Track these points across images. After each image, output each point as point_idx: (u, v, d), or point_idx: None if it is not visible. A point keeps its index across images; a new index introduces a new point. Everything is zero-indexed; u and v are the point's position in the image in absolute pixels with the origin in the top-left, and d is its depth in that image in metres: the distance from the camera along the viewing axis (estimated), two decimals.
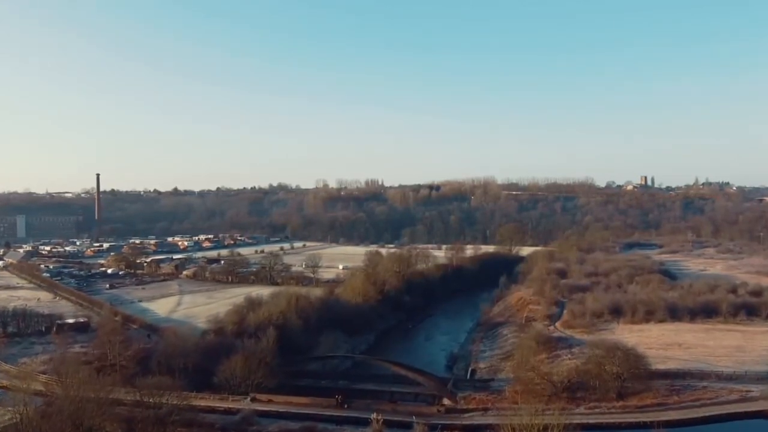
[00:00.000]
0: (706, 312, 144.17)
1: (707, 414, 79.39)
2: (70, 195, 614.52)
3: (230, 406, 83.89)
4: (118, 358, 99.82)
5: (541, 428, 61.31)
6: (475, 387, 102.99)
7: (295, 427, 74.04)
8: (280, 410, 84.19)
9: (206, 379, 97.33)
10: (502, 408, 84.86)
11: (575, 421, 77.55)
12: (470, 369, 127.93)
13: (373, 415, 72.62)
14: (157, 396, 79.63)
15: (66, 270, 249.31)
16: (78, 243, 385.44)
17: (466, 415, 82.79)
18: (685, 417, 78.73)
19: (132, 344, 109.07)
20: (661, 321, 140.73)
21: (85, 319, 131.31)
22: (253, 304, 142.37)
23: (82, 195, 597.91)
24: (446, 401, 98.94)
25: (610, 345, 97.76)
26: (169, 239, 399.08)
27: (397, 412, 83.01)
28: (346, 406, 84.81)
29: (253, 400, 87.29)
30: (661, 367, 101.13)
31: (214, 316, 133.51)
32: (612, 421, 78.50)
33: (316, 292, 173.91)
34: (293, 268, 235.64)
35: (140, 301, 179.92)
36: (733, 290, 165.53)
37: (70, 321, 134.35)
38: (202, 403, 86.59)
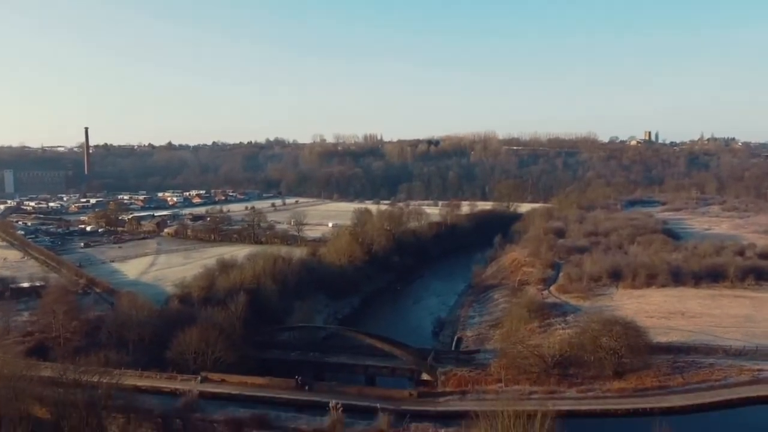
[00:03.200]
0: (711, 276, 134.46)
1: (714, 399, 70.00)
2: (62, 149, 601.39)
3: (177, 387, 74.69)
4: (61, 330, 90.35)
5: (523, 417, 51.64)
6: (458, 360, 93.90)
7: (244, 416, 64.85)
8: (233, 392, 74.98)
9: (162, 354, 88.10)
10: (483, 391, 75.58)
11: (564, 408, 68.52)
12: (456, 337, 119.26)
13: (332, 403, 63.35)
14: (89, 375, 70.17)
15: (43, 228, 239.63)
16: (65, 199, 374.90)
17: (442, 399, 73.55)
18: (689, 403, 69.33)
19: (83, 313, 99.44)
20: (664, 286, 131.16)
21: (42, 283, 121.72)
22: (225, 266, 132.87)
23: (75, 149, 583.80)
24: (425, 376, 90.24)
25: (607, 318, 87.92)
26: (159, 195, 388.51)
27: (363, 396, 73.83)
28: (306, 388, 75.66)
29: (204, 380, 78.10)
30: (663, 340, 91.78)
31: (182, 280, 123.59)
32: (607, 407, 69.22)
33: (299, 252, 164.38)
34: (279, 226, 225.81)
35: (112, 261, 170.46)
36: (741, 252, 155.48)
37: (25, 285, 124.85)
38: (147, 383, 77.45)
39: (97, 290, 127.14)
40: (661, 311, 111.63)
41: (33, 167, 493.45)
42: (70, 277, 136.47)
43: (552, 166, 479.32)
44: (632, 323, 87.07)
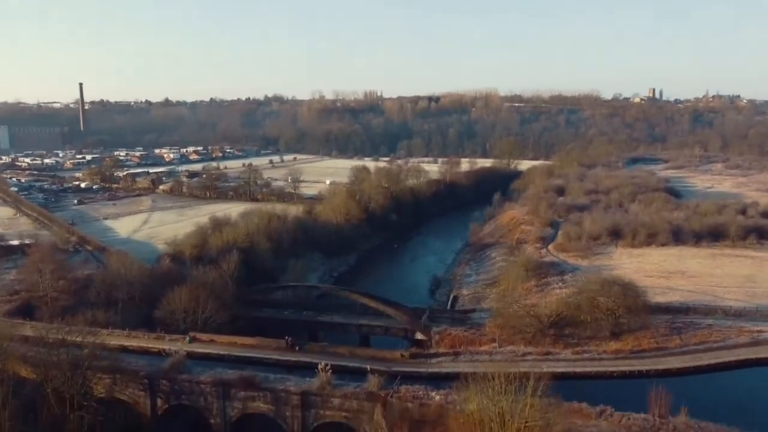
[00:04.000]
0: (712, 235, 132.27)
1: (712, 361, 68.42)
2: (58, 105, 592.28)
3: (165, 347, 73.24)
4: (48, 289, 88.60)
5: (516, 380, 50.04)
6: (453, 320, 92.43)
7: (232, 377, 63.43)
8: (222, 353, 73.59)
9: (151, 314, 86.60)
10: (476, 352, 74.14)
11: (559, 370, 67.08)
12: (452, 296, 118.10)
13: (321, 365, 61.83)
14: (74, 335, 68.64)
15: (37, 184, 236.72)
16: (61, 155, 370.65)
17: (434, 361, 72.15)
18: (686, 365, 67.84)
19: (71, 272, 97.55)
20: (664, 245, 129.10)
21: (32, 241, 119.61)
22: (218, 224, 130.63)
23: (71, 105, 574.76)
24: (419, 336, 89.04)
25: (605, 278, 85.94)
26: (156, 151, 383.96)
27: (354, 357, 72.40)
28: (297, 348, 74.19)
29: (193, 340, 76.62)
30: (662, 300, 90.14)
31: (174, 239, 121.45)
32: (602, 369, 67.76)
33: (294, 210, 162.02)
34: (276, 183, 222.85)
35: (106, 218, 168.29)
36: (743, 211, 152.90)
37: (14, 243, 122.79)
38: (134, 343, 76.03)
39: (89, 248, 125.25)
40: (661, 271, 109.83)
41: (28, 123, 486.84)
42: (62, 234, 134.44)
43: (554, 123, 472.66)
44: (630, 284, 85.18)
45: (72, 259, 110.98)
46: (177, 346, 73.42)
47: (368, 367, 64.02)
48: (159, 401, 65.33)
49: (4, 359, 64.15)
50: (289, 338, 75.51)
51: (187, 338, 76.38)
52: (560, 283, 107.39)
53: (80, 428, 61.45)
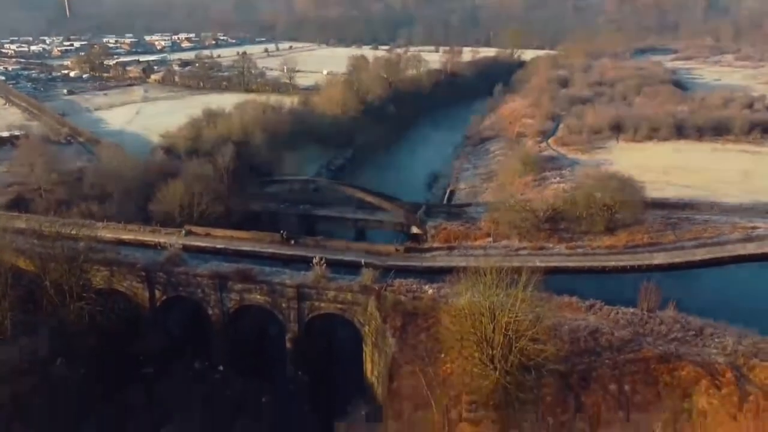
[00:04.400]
0: (716, 130, 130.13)
1: (704, 257, 68.98)
2: None
3: (161, 240, 73.48)
4: (41, 182, 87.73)
5: (508, 274, 50.42)
6: (449, 214, 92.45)
7: (228, 270, 64.09)
8: (217, 246, 74.02)
9: (146, 208, 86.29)
10: (471, 246, 74.51)
11: (551, 265, 67.82)
12: (449, 191, 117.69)
13: (316, 259, 62.26)
14: (70, 228, 68.73)
15: (24, 73, 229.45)
16: (48, 42, 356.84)
17: (428, 255, 72.65)
18: (679, 260, 68.48)
19: (63, 164, 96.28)
20: (666, 139, 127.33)
21: (23, 132, 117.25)
22: (211, 116, 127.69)
23: None
24: (414, 230, 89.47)
25: (603, 173, 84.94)
26: (146, 38, 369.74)
27: (349, 250, 72.81)
28: (292, 242, 74.48)
29: (188, 233, 76.73)
30: (659, 195, 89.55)
31: (167, 131, 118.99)
32: (595, 264, 68.39)
33: (290, 101, 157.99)
34: (271, 73, 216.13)
35: (97, 109, 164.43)
36: (750, 104, 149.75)
37: (4, 134, 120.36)
38: (130, 236, 76.23)
39: (81, 140, 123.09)
40: (661, 166, 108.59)
41: (10, 7, 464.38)
42: (53, 125, 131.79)
43: (561, 10, 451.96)
44: (628, 179, 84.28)
45: (64, 152, 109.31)
46: (173, 239, 73.61)
47: (362, 260, 64.40)
48: (157, 293, 66.41)
49: (4, 251, 64.66)
50: (284, 232, 75.66)
51: (183, 232, 76.51)
52: (558, 178, 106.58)
53: (80, 318, 62.90)
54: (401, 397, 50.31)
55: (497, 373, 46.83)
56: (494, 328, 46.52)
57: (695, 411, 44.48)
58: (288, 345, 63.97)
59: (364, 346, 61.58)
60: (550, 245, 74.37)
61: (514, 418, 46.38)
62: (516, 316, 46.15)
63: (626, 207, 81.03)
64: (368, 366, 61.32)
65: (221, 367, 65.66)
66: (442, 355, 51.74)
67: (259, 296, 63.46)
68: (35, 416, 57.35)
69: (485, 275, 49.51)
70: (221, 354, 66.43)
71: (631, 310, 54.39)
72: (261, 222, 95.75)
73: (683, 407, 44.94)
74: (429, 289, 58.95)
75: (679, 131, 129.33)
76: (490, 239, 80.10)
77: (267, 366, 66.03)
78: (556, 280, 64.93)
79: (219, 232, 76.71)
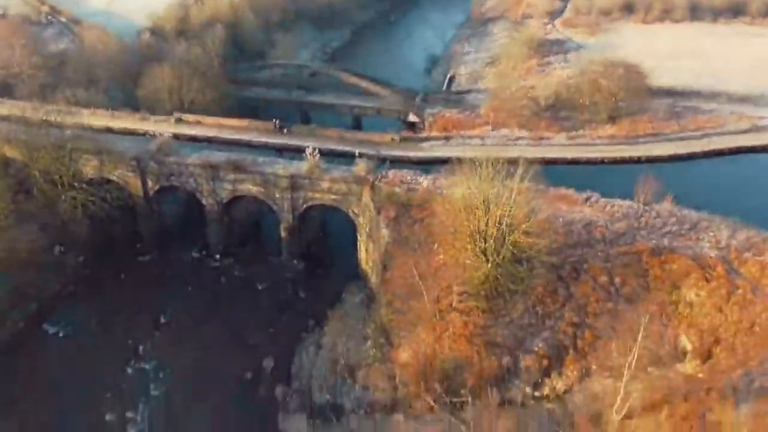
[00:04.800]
0: (732, 11, 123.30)
1: (706, 149, 67.53)
2: None
3: (151, 128, 71.34)
4: (23, 66, 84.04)
5: (504, 165, 49.29)
6: (448, 101, 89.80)
7: (220, 160, 62.76)
8: (209, 135, 72.14)
9: (134, 94, 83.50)
10: (468, 136, 72.75)
11: (551, 156, 66.57)
12: (449, 76, 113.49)
13: (309, 149, 60.70)
14: (57, 115, 66.76)
15: None
16: None
17: (425, 145, 70.98)
18: (680, 152, 67.06)
19: (45, 46, 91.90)
20: (678, 21, 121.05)
21: (0, 12, 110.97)
22: None
23: None
24: (412, 118, 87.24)
25: (609, 60, 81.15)
26: None
27: (343, 140, 71.05)
28: (285, 131, 72.52)
29: (179, 121, 74.52)
30: (666, 82, 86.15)
31: (153, 12, 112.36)
32: (595, 155, 67.00)
33: None
34: None
35: None
36: None
37: None
38: (119, 124, 74.09)
39: (62, 20, 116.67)
40: (670, 51, 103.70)
41: None
42: (32, 3, 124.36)
43: None
44: (635, 66, 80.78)
45: (45, 33, 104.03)
46: (163, 127, 71.61)
47: (357, 151, 62.98)
48: (150, 182, 65.67)
49: None
50: (277, 120, 73.55)
51: (173, 119, 74.35)
52: (563, 63, 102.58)
53: (73, 207, 62.63)
54: (394, 287, 50.98)
55: (489, 264, 47.00)
56: (488, 221, 46.06)
57: (682, 303, 45.10)
58: (283, 234, 64.20)
59: (358, 236, 61.79)
60: (550, 135, 72.66)
61: (503, 308, 47.22)
62: (510, 209, 45.52)
63: (631, 95, 78.48)
64: (363, 255, 61.89)
65: (218, 256, 66.38)
66: (435, 247, 51.88)
67: (252, 186, 62.73)
68: (38, 303, 58.88)
69: (481, 167, 48.35)
70: (217, 243, 66.87)
71: (628, 203, 53.83)
72: (254, 109, 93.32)
73: (671, 299, 45.54)
74: (424, 181, 58.13)
75: (694, 12, 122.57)
76: (489, 128, 78.15)
77: (263, 255, 66.69)
78: (554, 171, 64.03)
79: (210, 120, 74.58)
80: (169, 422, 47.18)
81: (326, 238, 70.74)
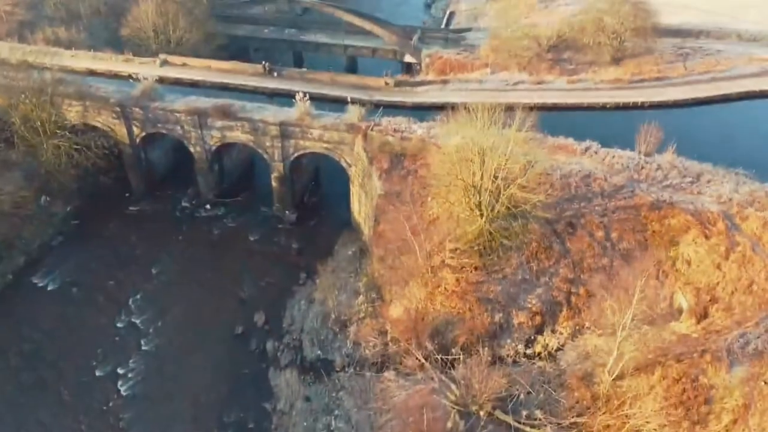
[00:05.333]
0: None
1: (712, 93, 64.72)
2: None
3: (135, 71, 68.18)
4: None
5: (501, 113, 47.20)
6: (446, 41, 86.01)
7: (207, 106, 60.21)
8: (195, 78, 68.91)
9: (118, 33, 79.73)
10: (466, 80, 69.87)
11: (551, 101, 64.15)
12: (449, 12, 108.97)
13: (298, 96, 58.11)
14: (36, 56, 63.91)
15: None
16: None
17: (420, 89, 68.06)
18: (686, 97, 64.32)
19: None
20: None
21: None
22: None
23: None
24: (408, 58, 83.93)
25: None
26: None
27: (336, 84, 68.04)
28: (275, 74, 69.40)
29: (164, 63, 71.19)
30: (674, 20, 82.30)
31: None
32: (595, 101, 64.17)
33: None
34: None
35: None
36: None
37: None
38: (102, 66, 70.82)
39: None
40: None
41: None
42: None
43: None
44: (644, 3, 76.62)
45: None
46: (147, 70, 68.64)
47: (348, 97, 60.41)
48: (135, 129, 63.38)
49: None
50: (266, 63, 70.36)
51: (158, 61, 71.17)
52: None
53: (58, 156, 60.72)
54: (385, 241, 49.87)
55: (483, 219, 45.72)
56: (482, 175, 44.40)
57: (680, 260, 44.06)
58: (274, 184, 62.54)
59: (351, 186, 60.17)
60: (551, 78, 69.79)
61: (497, 264, 46.25)
62: (506, 162, 43.76)
63: (636, 35, 74.96)
64: (355, 206, 60.50)
65: (208, 206, 65.00)
66: (429, 200, 50.47)
67: (241, 134, 60.58)
68: (26, 255, 57.95)
69: (476, 116, 46.26)
70: (207, 192, 65.37)
71: (629, 153, 51.91)
72: (244, 50, 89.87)
73: (668, 255, 44.48)
74: (418, 129, 55.98)
75: None
76: (488, 70, 75.13)
77: (255, 204, 65.24)
78: (554, 117, 61.97)
79: (197, 62, 71.38)
80: (160, 377, 47.05)
81: (320, 186, 69.19)
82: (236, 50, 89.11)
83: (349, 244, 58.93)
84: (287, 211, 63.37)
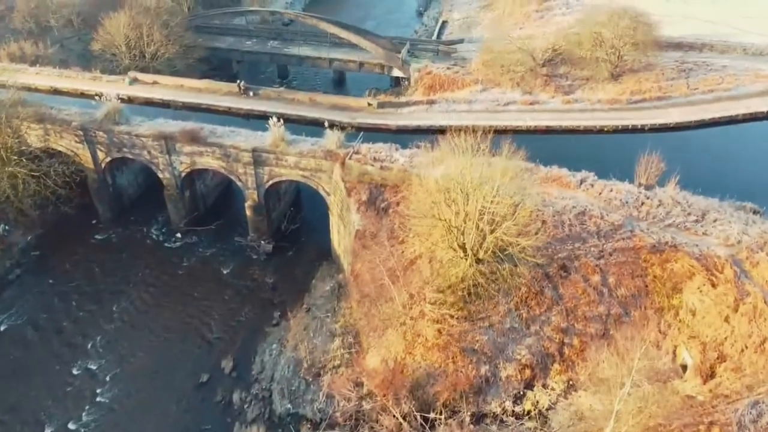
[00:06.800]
0: None
1: (716, 115, 60.74)
2: None
3: (102, 90, 63.87)
4: None
5: (488, 137, 43.14)
6: (437, 53, 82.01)
7: (173, 129, 56.03)
8: (166, 98, 64.83)
9: (89, 48, 75.82)
10: (454, 100, 65.72)
11: (543, 124, 60.14)
12: (441, 21, 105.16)
13: (272, 121, 53.95)
14: None
15: None
16: None
17: (405, 111, 63.83)
18: (689, 119, 60.30)
19: None
20: None
21: None
22: None
23: None
24: (396, 73, 79.91)
25: (614, 10, 72.81)
26: None
27: (315, 105, 63.90)
28: (251, 94, 65.27)
29: (133, 81, 67.12)
30: (676, 33, 78.45)
31: None
32: (591, 123, 60.18)
33: None
34: None
35: None
36: None
37: None
38: (67, 84, 66.65)
39: None
40: None
41: None
42: None
43: None
44: (643, 15, 72.58)
45: None
46: (115, 89, 64.42)
47: (326, 122, 56.29)
48: (100, 154, 59.24)
49: None
50: (242, 82, 66.26)
51: (127, 79, 67.04)
52: (564, 8, 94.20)
53: (15, 185, 56.56)
54: (363, 283, 45.85)
55: (468, 261, 41.67)
56: (466, 216, 40.28)
57: (684, 308, 39.99)
58: (248, 213, 58.49)
59: (330, 215, 56.12)
60: (545, 97, 65.77)
61: (483, 311, 42.16)
62: (492, 202, 39.59)
63: (636, 48, 70.93)
64: (335, 237, 56.49)
65: (179, 234, 60.90)
66: (411, 236, 46.34)
67: (212, 160, 56.46)
68: None
69: (460, 149, 42.14)
70: (178, 220, 61.23)
71: (627, 186, 47.81)
72: (226, 62, 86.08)
73: (671, 304, 40.43)
74: (400, 158, 51.80)
75: None
76: (479, 86, 71.13)
77: (228, 233, 61.13)
78: (547, 142, 58.20)
79: (168, 80, 67.26)
80: None
81: (300, 211, 65.02)
82: (218, 63, 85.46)
83: (327, 279, 54.81)
84: (263, 241, 59.26)
